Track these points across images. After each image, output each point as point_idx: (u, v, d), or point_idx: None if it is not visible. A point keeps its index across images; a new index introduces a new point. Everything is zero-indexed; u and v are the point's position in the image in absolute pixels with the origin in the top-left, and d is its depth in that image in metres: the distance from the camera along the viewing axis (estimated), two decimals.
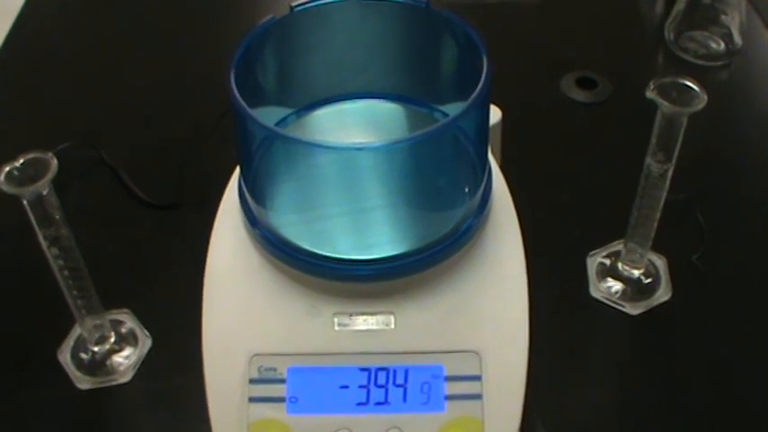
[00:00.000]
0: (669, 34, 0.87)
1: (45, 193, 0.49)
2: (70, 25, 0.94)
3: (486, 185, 0.48)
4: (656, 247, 0.62)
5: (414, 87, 0.53)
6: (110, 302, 0.60)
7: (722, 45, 0.85)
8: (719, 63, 0.85)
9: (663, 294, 0.62)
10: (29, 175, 0.48)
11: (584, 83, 0.82)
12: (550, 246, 0.63)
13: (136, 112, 0.81)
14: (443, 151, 0.46)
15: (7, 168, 0.47)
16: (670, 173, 0.55)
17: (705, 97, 0.51)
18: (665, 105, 0.51)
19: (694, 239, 0.66)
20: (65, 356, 0.59)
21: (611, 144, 0.77)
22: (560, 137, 0.78)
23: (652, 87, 0.52)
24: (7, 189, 0.47)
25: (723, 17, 0.85)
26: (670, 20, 0.87)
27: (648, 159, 0.55)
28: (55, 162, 0.48)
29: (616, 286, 0.63)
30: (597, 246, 0.66)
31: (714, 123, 0.75)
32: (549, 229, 0.65)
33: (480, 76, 0.44)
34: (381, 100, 0.54)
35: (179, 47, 0.90)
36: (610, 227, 0.65)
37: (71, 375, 0.58)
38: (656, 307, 0.62)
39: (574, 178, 0.73)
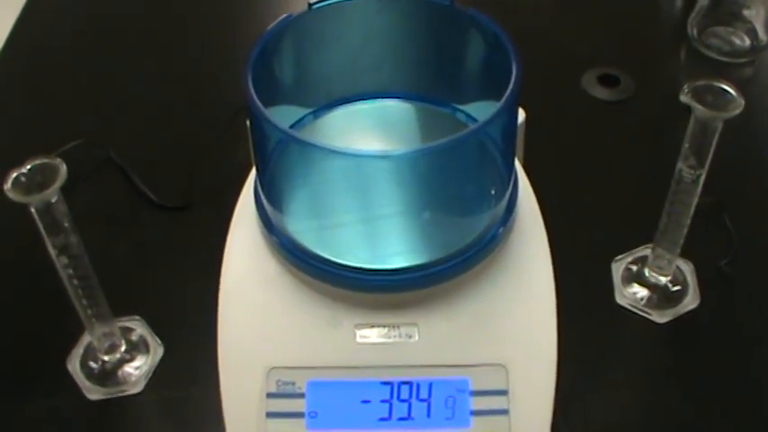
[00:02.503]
0: (692, 30, 0.85)
1: (54, 200, 0.47)
2: (79, 21, 0.92)
3: (512, 191, 0.46)
4: (683, 253, 0.60)
5: (435, 87, 0.51)
6: (120, 308, 0.58)
7: (746, 41, 0.83)
8: (744, 60, 0.83)
9: (691, 302, 0.60)
10: (37, 181, 0.46)
11: (606, 80, 0.80)
12: (574, 250, 0.61)
13: (145, 110, 0.79)
14: (469, 157, 0.45)
15: (14, 174, 0.46)
16: (702, 179, 0.53)
17: (742, 101, 0.49)
18: (699, 110, 0.49)
19: (722, 244, 0.64)
20: (74, 366, 0.57)
21: (636, 143, 0.75)
22: (583, 136, 0.76)
23: (686, 91, 0.49)
24: (14, 197, 0.45)
25: (747, 12, 0.83)
26: (693, 15, 0.85)
27: (680, 164, 0.53)
28: (64, 168, 0.46)
29: (642, 293, 0.61)
30: (622, 251, 0.64)
31: (739, 122, 0.73)
32: (572, 232, 0.63)
33: (508, 78, 0.42)
34: (401, 100, 0.52)
35: (191, 44, 0.88)
36: (635, 231, 0.63)
37: (81, 385, 0.56)
38: (684, 315, 0.60)
39: (597, 179, 0.72)
